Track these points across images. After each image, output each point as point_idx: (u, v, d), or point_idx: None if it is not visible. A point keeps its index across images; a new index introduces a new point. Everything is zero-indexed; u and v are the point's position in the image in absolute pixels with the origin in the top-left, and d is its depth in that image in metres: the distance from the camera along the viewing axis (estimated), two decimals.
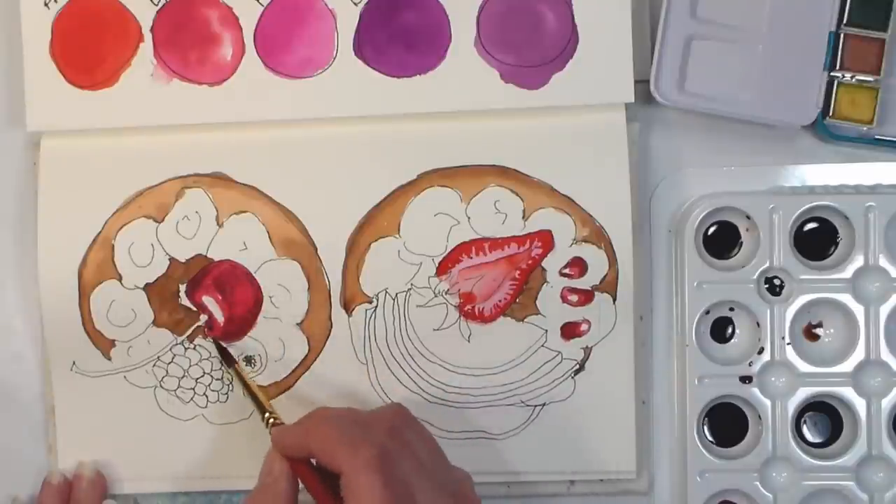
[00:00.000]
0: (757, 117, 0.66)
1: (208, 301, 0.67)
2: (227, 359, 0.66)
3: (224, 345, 0.67)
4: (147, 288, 0.67)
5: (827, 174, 0.68)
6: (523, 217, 0.66)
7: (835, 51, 0.66)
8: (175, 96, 0.67)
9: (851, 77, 0.66)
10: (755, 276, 0.67)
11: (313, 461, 0.58)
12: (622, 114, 0.66)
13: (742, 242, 0.68)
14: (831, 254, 0.68)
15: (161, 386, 0.68)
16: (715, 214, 0.68)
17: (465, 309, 0.67)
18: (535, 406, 0.67)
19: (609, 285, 0.66)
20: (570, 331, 0.67)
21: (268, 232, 0.67)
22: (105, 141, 0.67)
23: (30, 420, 0.69)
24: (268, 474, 0.59)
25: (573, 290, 0.67)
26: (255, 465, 0.66)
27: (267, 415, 0.63)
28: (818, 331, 0.68)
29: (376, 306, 0.67)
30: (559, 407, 0.67)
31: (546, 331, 0.67)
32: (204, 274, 0.67)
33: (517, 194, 0.66)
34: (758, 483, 0.67)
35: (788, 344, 0.67)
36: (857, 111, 0.66)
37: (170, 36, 0.67)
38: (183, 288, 0.67)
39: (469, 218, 0.66)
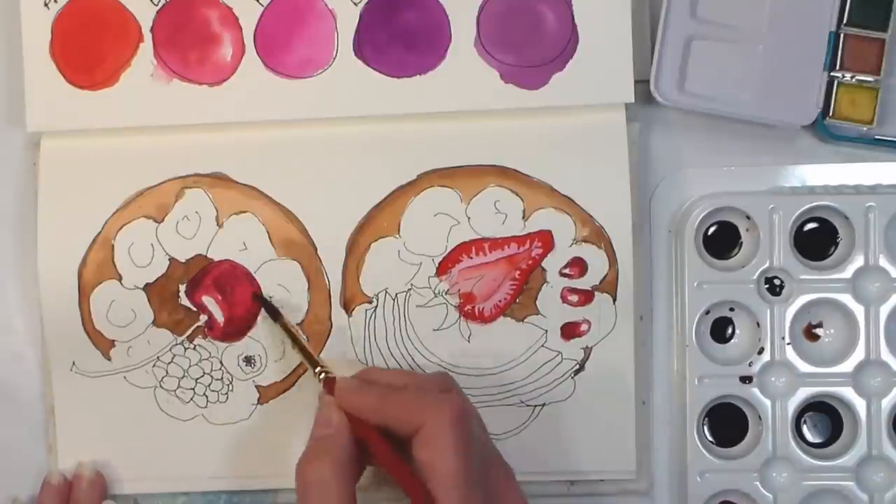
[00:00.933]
0: (757, 117, 0.66)
1: (208, 301, 0.67)
2: (272, 313, 0.66)
3: (269, 302, 0.66)
4: (147, 288, 0.67)
5: (827, 174, 0.68)
6: (523, 217, 0.66)
7: (835, 51, 0.66)
8: (175, 96, 0.67)
9: (851, 77, 0.66)
10: (755, 276, 0.67)
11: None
12: (622, 114, 0.66)
13: (742, 242, 0.68)
14: (831, 254, 0.68)
15: (161, 386, 0.68)
16: (715, 214, 0.68)
17: (465, 309, 0.67)
18: (535, 406, 0.67)
19: (609, 285, 0.66)
20: (570, 331, 0.67)
21: (268, 232, 0.67)
22: (105, 141, 0.67)
23: (30, 420, 0.69)
24: (326, 425, 0.58)
25: (573, 291, 0.67)
26: (256, 464, 0.67)
27: (319, 369, 0.62)
28: (818, 331, 0.68)
29: (376, 306, 0.67)
30: (559, 407, 0.67)
31: (546, 331, 0.67)
32: (204, 274, 0.67)
33: (517, 194, 0.66)
34: (758, 483, 0.67)
35: (788, 344, 0.67)
36: (857, 111, 0.66)
37: (170, 36, 0.67)
38: (183, 288, 0.67)
39: (469, 218, 0.66)
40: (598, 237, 0.66)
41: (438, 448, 0.55)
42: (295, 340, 0.65)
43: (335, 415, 0.58)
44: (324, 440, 0.58)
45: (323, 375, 0.62)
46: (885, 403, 0.67)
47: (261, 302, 0.66)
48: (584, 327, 0.67)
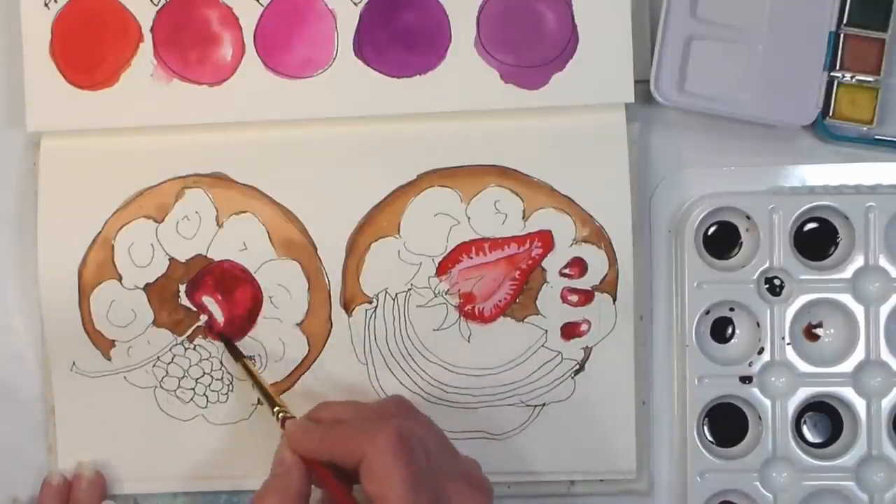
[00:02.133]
0: (757, 117, 0.66)
1: (208, 301, 0.67)
2: (235, 354, 0.66)
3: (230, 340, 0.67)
4: (147, 288, 0.67)
5: (827, 174, 0.68)
6: (523, 217, 0.66)
7: (835, 51, 0.66)
8: (175, 96, 0.67)
9: (851, 77, 0.66)
10: (755, 277, 0.67)
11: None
12: (622, 114, 0.66)
13: (742, 242, 0.68)
14: (831, 254, 0.68)
15: (161, 386, 0.68)
16: (715, 214, 0.68)
17: (465, 309, 0.67)
18: (536, 406, 0.67)
19: (609, 285, 0.66)
20: (570, 331, 0.67)
21: (268, 232, 0.67)
22: (105, 141, 0.67)
23: (30, 420, 0.69)
24: (280, 464, 0.59)
25: (573, 291, 0.67)
26: (255, 464, 0.67)
27: (277, 409, 0.62)
28: (818, 331, 0.68)
29: (376, 306, 0.67)
30: (559, 407, 0.67)
31: (546, 331, 0.67)
32: (204, 274, 0.67)
33: (517, 194, 0.66)
34: (758, 483, 0.67)
35: (788, 344, 0.67)
36: (857, 111, 0.66)
37: (170, 36, 0.67)
38: (183, 288, 0.67)
39: (469, 218, 0.66)
40: (598, 237, 0.66)
41: (379, 478, 0.55)
42: (255, 380, 0.65)
43: (287, 454, 0.59)
44: (277, 478, 0.59)
45: (281, 415, 0.62)
46: (885, 403, 0.67)
47: (224, 343, 0.67)
48: (584, 327, 0.67)
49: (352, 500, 0.57)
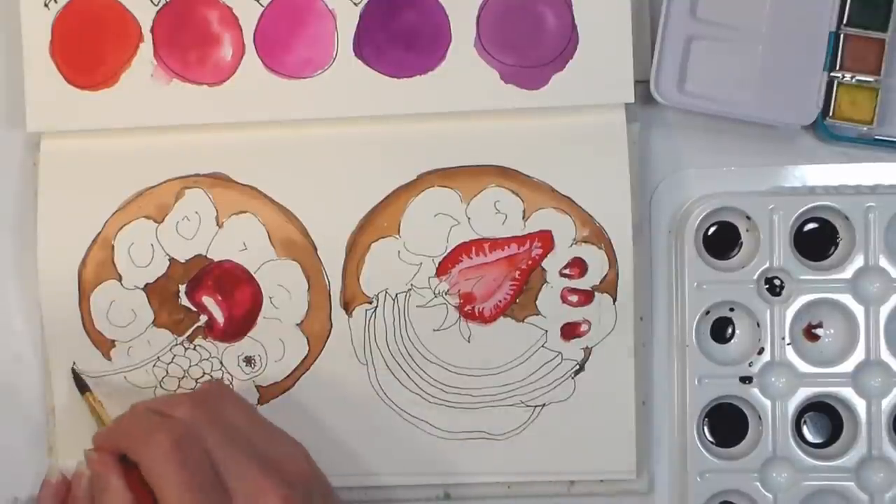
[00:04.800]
0: (757, 117, 0.66)
1: (208, 301, 0.67)
2: (80, 386, 0.67)
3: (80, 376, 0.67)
4: (147, 288, 0.67)
5: (827, 174, 0.68)
6: (523, 217, 0.66)
7: (835, 51, 0.66)
8: (175, 96, 0.67)
9: (851, 77, 0.66)
10: (755, 277, 0.67)
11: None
12: (622, 114, 0.66)
13: (742, 243, 0.68)
14: (831, 254, 0.68)
15: (161, 386, 0.67)
16: (715, 215, 0.68)
17: (465, 309, 0.67)
18: (535, 406, 0.67)
19: (609, 286, 0.66)
20: (570, 331, 0.67)
21: (268, 232, 0.67)
22: (105, 141, 0.67)
23: (30, 420, 0.69)
24: (97, 479, 0.60)
25: (573, 291, 0.67)
26: None
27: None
28: (818, 331, 0.68)
29: (376, 307, 0.67)
30: (559, 407, 0.67)
31: (546, 331, 0.67)
32: (204, 274, 0.67)
33: (517, 195, 0.66)
34: (758, 483, 0.67)
35: (788, 344, 0.67)
36: (857, 111, 0.66)
37: (170, 36, 0.67)
38: (183, 288, 0.67)
39: (469, 218, 0.66)
40: (598, 237, 0.66)
41: (154, 481, 0.56)
42: (96, 413, 0.66)
43: (99, 467, 0.60)
44: (101, 495, 0.59)
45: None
46: (885, 404, 0.67)
47: (73, 374, 0.67)
48: (583, 327, 0.67)
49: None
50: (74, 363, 0.67)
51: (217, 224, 0.67)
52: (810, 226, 0.68)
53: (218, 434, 0.59)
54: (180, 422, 0.58)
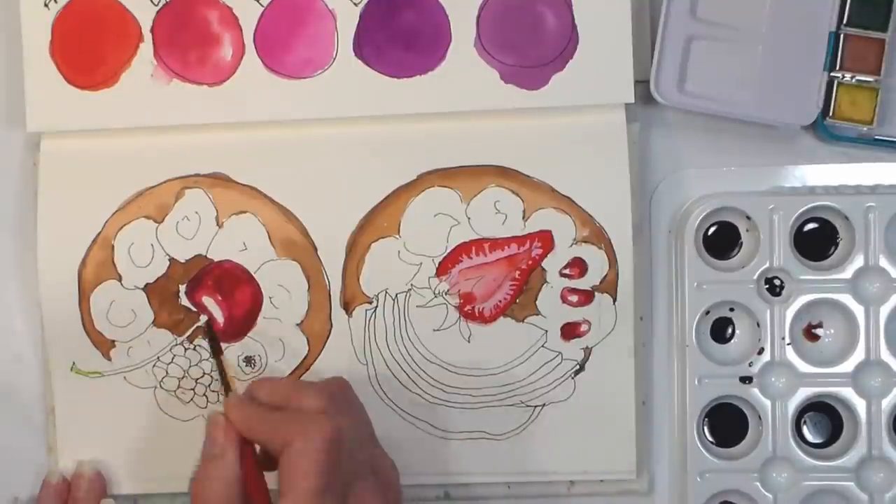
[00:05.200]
0: (757, 117, 0.66)
1: (208, 301, 0.67)
2: (214, 349, 0.66)
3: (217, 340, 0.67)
4: (147, 288, 0.67)
5: (827, 174, 0.68)
6: (523, 217, 0.66)
7: (835, 51, 0.66)
8: (175, 96, 0.67)
9: (851, 77, 0.66)
10: (755, 277, 0.67)
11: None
12: (622, 114, 0.66)
13: (742, 243, 0.68)
14: (831, 254, 0.68)
15: (161, 386, 0.68)
16: (715, 215, 0.68)
17: (465, 309, 0.67)
18: (536, 406, 0.67)
19: (609, 286, 0.66)
20: (569, 331, 0.67)
21: (268, 232, 0.67)
22: (105, 141, 0.67)
23: (30, 420, 0.69)
24: (213, 444, 0.60)
25: (573, 291, 0.67)
26: None
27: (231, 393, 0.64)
28: (818, 331, 0.68)
29: (376, 307, 0.67)
30: (559, 407, 0.67)
31: (546, 331, 0.67)
32: (204, 274, 0.67)
33: (517, 195, 0.66)
34: (758, 483, 0.67)
35: (788, 344, 0.67)
36: (857, 111, 0.66)
37: (170, 36, 0.67)
38: (183, 288, 0.67)
39: (469, 218, 0.66)
40: (599, 237, 0.66)
41: (293, 474, 0.56)
42: (223, 374, 0.65)
43: (220, 435, 0.60)
44: (214, 461, 0.59)
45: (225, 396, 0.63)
46: (885, 404, 0.67)
47: (210, 336, 0.67)
48: (583, 327, 0.67)
49: (262, 487, 0.59)
50: (209, 323, 0.67)
51: (217, 224, 0.67)
52: (810, 226, 0.68)
53: (351, 443, 0.58)
54: (337, 420, 0.57)
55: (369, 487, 0.58)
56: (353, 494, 0.57)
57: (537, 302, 0.67)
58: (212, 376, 0.68)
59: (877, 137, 0.67)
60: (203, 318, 0.67)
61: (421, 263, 0.67)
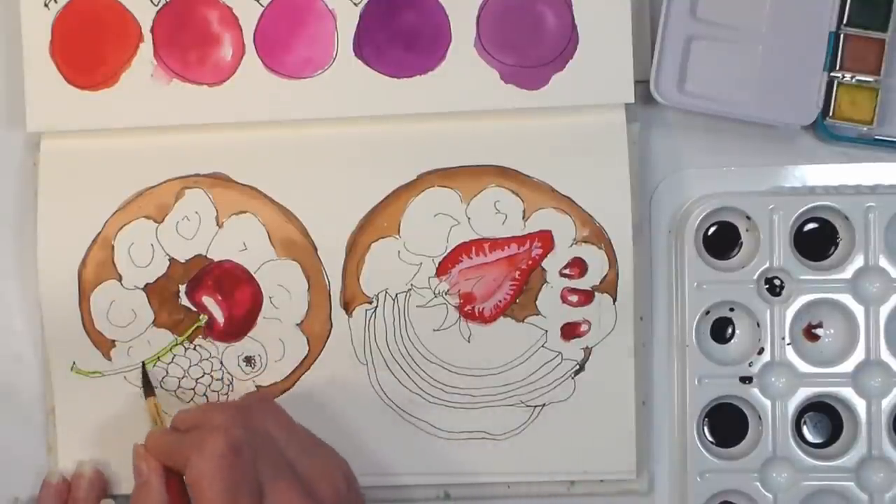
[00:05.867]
0: (757, 117, 0.66)
1: (208, 301, 0.67)
2: (147, 389, 0.67)
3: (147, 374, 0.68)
4: (147, 288, 0.67)
5: (827, 174, 0.68)
6: (523, 217, 0.66)
7: (835, 51, 0.66)
8: (175, 96, 0.67)
9: (851, 77, 0.66)
10: (755, 277, 0.67)
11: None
12: (622, 114, 0.66)
13: (742, 243, 0.68)
14: (831, 254, 0.68)
15: (161, 386, 0.68)
16: (715, 215, 0.68)
17: (465, 309, 0.67)
18: (536, 406, 0.67)
19: (609, 286, 0.66)
20: (570, 331, 0.67)
21: (268, 232, 0.67)
22: (105, 141, 0.67)
23: (30, 420, 0.69)
24: (137, 475, 0.62)
25: (573, 291, 0.67)
26: None
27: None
28: (818, 331, 0.68)
29: (376, 307, 0.67)
30: (559, 407, 0.67)
31: (546, 331, 0.67)
32: (204, 274, 0.67)
33: (517, 195, 0.66)
34: (758, 483, 0.67)
35: (788, 344, 0.67)
36: (857, 111, 0.66)
37: (170, 36, 0.67)
38: (183, 288, 0.67)
39: (469, 218, 0.66)
40: (599, 237, 0.66)
41: (197, 488, 0.58)
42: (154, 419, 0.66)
43: (143, 465, 0.62)
44: (140, 489, 0.61)
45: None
46: (885, 404, 0.67)
47: (143, 376, 0.67)
48: (583, 327, 0.67)
49: None
50: (143, 362, 0.67)
51: (217, 224, 0.67)
52: (810, 226, 0.68)
53: (258, 446, 0.59)
54: (231, 429, 0.59)
55: (286, 486, 0.58)
56: (269, 494, 0.58)
57: (537, 302, 0.67)
58: (212, 376, 0.68)
59: (877, 137, 0.67)
60: (140, 362, 0.67)
61: (421, 263, 0.67)
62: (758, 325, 0.67)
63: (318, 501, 0.59)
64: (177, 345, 0.67)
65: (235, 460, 0.58)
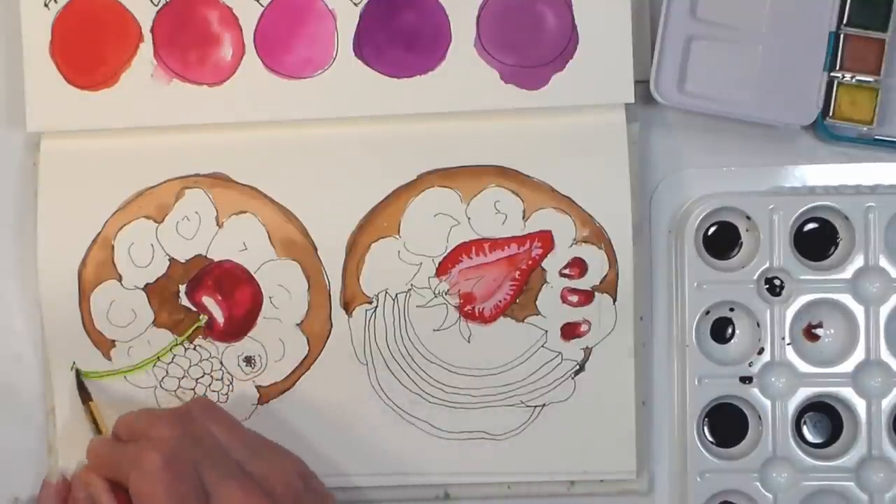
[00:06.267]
0: (757, 118, 0.66)
1: (208, 301, 0.67)
2: (83, 395, 0.67)
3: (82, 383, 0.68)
4: (147, 288, 0.67)
5: (827, 174, 0.68)
6: (523, 217, 0.66)
7: (835, 51, 0.66)
8: (175, 97, 0.67)
9: (851, 77, 0.66)
10: (755, 277, 0.67)
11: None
12: (622, 114, 0.66)
13: (742, 243, 0.68)
14: (831, 254, 0.68)
15: (161, 386, 0.68)
16: (715, 215, 0.68)
17: (465, 309, 0.67)
18: (536, 407, 0.67)
19: (609, 286, 0.66)
20: (570, 331, 0.67)
21: (268, 232, 0.67)
22: (105, 141, 0.67)
23: (30, 420, 0.69)
24: (77, 487, 0.62)
25: (573, 291, 0.67)
26: None
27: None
28: (818, 331, 0.68)
29: (376, 307, 0.67)
30: (559, 407, 0.67)
31: (546, 331, 0.67)
32: (204, 274, 0.67)
33: (517, 195, 0.66)
34: (758, 483, 0.67)
35: (788, 344, 0.67)
36: (857, 111, 0.66)
37: (170, 36, 0.67)
38: (183, 288, 0.67)
39: (469, 218, 0.66)
40: (598, 237, 0.66)
41: (142, 499, 0.58)
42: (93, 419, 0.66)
43: (83, 475, 0.62)
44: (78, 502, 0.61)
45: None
46: (886, 404, 0.67)
47: (77, 383, 0.67)
48: (584, 328, 0.67)
49: None
50: (77, 369, 0.67)
51: (217, 224, 0.67)
52: (810, 226, 0.68)
53: (200, 451, 0.59)
54: (167, 441, 0.59)
55: (237, 485, 0.58)
56: (217, 495, 0.58)
57: (537, 302, 0.67)
58: (212, 376, 0.68)
59: (877, 137, 0.67)
60: (74, 368, 0.67)
61: (421, 263, 0.67)
62: (758, 325, 0.67)
63: (272, 498, 0.59)
64: (177, 345, 0.67)
65: (175, 472, 0.57)
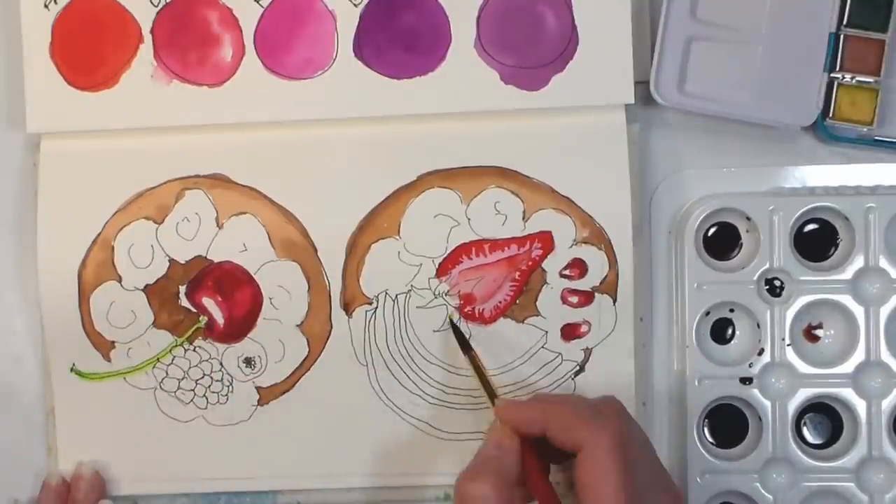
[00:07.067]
0: (757, 118, 0.66)
1: (208, 302, 0.67)
2: (463, 345, 0.65)
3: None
4: (147, 289, 0.67)
5: (827, 175, 0.68)
6: (523, 218, 0.66)
7: (835, 52, 0.66)
8: (175, 97, 0.67)
9: (851, 78, 0.66)
10: (755, 278, 0.67)
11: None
12: (622, 115, 0.66)
13: (742, 244, 0.68)
14: (831, 255, 0.68)
15: (161, 387, 0.68)
16: (715, 215, 0.68)
17: (466, 310, 0.67)
18: None
19: (609, 286, 0.66)
20: (570, 332, 0.67)
21: (268, 233, 0.67)
22: (105, 142, 0.67)
23: (30, 421, 0.69)
24: (497, 447, 0.59)
25: (573, 292, 0.67)
26: (255, 466, 0.67)
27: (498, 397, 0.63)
28: (818, 332, 0.68)
29: (376, 307, 0.67)
30: None
31: (546, 332, 0.67)
32: (204, 275, 0.67)
33: (517, 195, 0.66)
34: (758, 484, 0.67)
35: (789, 345, 0.67)
36: (856, 112, 0.66)
37: (170, 37, 0.67)
38: (183, 289, 0.67)
39: (469, 219, 0.66)
40: (599, 238, 0.66)
41: (597, 473, 0.55)
42: (479, 372, 0.64)
43: (507, 439, 0.59)
44: (490, 459, 0.58)
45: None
46: (886, 404, 0.67)
47: (454, 330, 0.66)
48: (584, 328, 0.67)
49: (547, 487, 0.58)
50: (451, 319, 0.66)
51: (217, 225, 0.67)
52: (810, 226, 0.68)
53: (643, 448, 0.58)
54: (621, 425, 0.57)
55: (671, 500, 0.58)
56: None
57: (537, 303, 0.67)
58: (212, 377, 0.68)
59: (877, 138, 0.67)
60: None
61: (421, 264, 0.67)
62: (758, 325, 0.67)
63: None
64: (176, 346, 0.67)
65: (625, 455, 0.56)
